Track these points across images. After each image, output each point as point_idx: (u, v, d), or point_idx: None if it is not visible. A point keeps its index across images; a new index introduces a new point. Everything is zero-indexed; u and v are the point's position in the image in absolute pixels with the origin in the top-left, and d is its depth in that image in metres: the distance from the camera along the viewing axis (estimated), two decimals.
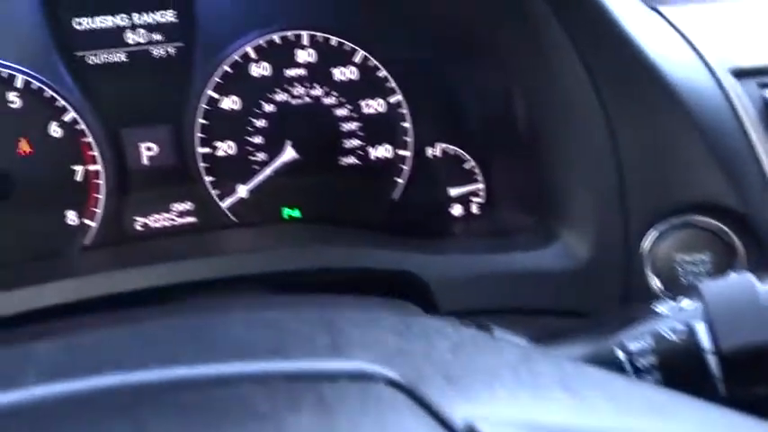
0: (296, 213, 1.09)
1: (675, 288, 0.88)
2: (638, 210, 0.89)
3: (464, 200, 1.13)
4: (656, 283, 0.90)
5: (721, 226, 0.88)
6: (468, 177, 1.13)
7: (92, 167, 1.02)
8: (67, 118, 1.00)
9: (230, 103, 1.05)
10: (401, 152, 1.10)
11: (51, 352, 0.40)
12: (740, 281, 0.53)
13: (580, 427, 0.30)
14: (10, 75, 0.98)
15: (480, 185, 1.13)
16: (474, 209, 1.13)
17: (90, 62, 1.01)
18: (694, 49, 0.92)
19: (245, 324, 0.40)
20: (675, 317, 0.54)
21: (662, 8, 1.00)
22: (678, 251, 0.89)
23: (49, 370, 0.36)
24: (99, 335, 0.45)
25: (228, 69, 1.04)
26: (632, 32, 0.88)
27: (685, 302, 0.55)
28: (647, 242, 0.90)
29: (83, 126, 1.00)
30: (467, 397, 0.31)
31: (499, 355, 0.38)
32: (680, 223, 0.89)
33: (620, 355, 0.53)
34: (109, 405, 0.33)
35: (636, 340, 0.53)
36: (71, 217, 1.02)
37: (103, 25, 1.00)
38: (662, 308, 0.56)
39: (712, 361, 0.51)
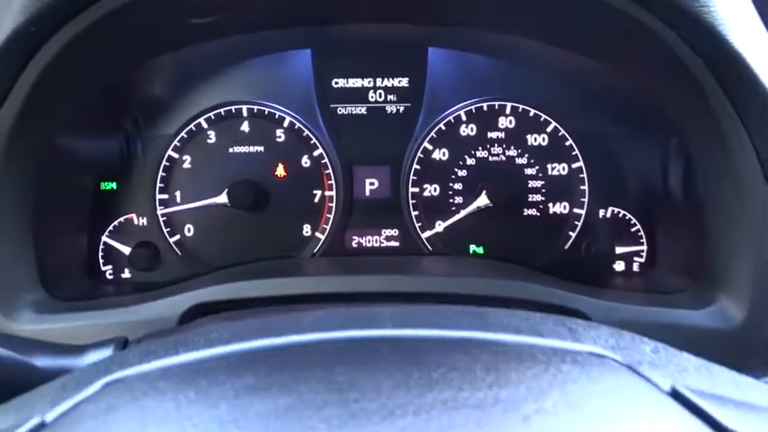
0: (480, 250, 1.30)
1: None
2: None
3: (627, 258, 1.29)
4: None
5: None
6: (634, 239, 1.29)
7: (327, 193, 1.30)
8: (316, 153, 1.29)
9: (440, 154, 1.29)
10: (576, 210, 1.29)
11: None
12: None
13: (742, 400, 0.47)
14: (280, 116, 1.29)
15: (643, 247, 1.28)
16: (635, 267, 1.29)
17: (339, 113, 1.30)
18: None
19: (505, 312, 0.61)
20: None
21: None
22: None
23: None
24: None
25: (443, 127, 1.29)
26: None
27: None
28: None
29: (326, 160, 1.29)
30: (668, 375, 0.50)
31: (685, 356, 0.56)
32: None
33: None
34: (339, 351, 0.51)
35: None
36: (306, 229, 1.31)
37: (354, 86, 1.29)
38: None
39: None
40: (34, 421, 0.47)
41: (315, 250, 1.30)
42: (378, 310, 0.61)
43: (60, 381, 0.56)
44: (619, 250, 1.28)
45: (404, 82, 1.29)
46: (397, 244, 1.31)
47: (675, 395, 0.47)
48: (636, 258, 1.29)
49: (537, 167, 1.29)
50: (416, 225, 1.30)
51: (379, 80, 1.29)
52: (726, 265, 1.07)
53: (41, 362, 0.75)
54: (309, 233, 1.31)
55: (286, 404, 0.43)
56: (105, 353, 0.79)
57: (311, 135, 1.29)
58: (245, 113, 1.29)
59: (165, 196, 1.29)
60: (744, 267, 1.03)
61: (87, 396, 0.50)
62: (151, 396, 0.47)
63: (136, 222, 1.30)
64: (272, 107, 1.29)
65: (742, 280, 1.04)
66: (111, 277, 1.30)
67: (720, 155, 1.01)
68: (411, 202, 1.30)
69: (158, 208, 1.29)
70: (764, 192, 0.99)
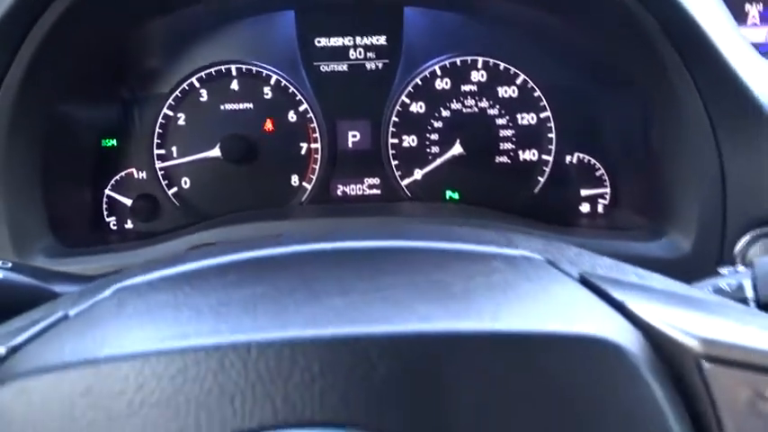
0: (456, 196, 1.40)
1: None
2: (734, 218, 1.10)
3: (592, 200, 1.39)
4: None
5: None
6: (598, 182, 1.39)
7: (313, 145, 1.39)
8: (301, 108, 1.38)
9: (417, 107, 1.39)
10: (544, 157, 1.39)
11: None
12: None
13: (640, 284, 0.58)
14: (267, 74, 1.38)
15: (607, 190, 1.38)
16: (599, 208, 1.39)
17: (322, 70, 1.39)
18: None
19: (445, 228, 0.71)
20: (732, 276, 0.79)
21: None
22: (765, 254, 1.09)
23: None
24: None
25: (419, 82, 1.38)
26: (746, 79, 1.09)
27: (741, 268, 0.80)
28: (739, 245, 1.11)
29: (311, 115, 1.38)
30: (581, 268, 0.60)
31: (603, 258, 0.67)
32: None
33: None
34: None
35: (701, 289, 0.79)
36: (294, 180, 1.41)
37: (335, 44, 1.38)
38: (724, 270, 0.80)
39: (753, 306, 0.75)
40: (59, 314, 0.57)
41: (302, 199, 1.40)
42: (341, 229, 0.72)
43: (76, 291, 0.67)
44: (584, 193, 1.38)
45: (382, 40, 1.38)
46: (378, 191, 1.41)
47: (582, 281, 0.57)
48: (600, 200, 1.39)
49: (507, 118, 1.38)
50: (396, 173, 1.40)
51: (358, 38, 1.38)
52: (676, 205, 1.17)
53: (59, 288, 0.85)
54: (297, 183, 1.40)
55: (262, 291, 0.54)
56: None
57: (296, 92, 1.38)
58: (234, 73, 1.37)
59: (163, 151, 1.39)
60: (690, 206, 1.14)
61: (102, 298, 0.61)
62: (153, 293, 0.58)
63: (136, 176, 1.39)
64: (260, 66, 1.37)
65: (688, 216, 1.14)
66: (114, 228, 1.40)
67: (675, 112, 1.10)
68: (391, 152, 1.39)
69: (156, 162, 1.38)
70: (711, 144, 1.09)
